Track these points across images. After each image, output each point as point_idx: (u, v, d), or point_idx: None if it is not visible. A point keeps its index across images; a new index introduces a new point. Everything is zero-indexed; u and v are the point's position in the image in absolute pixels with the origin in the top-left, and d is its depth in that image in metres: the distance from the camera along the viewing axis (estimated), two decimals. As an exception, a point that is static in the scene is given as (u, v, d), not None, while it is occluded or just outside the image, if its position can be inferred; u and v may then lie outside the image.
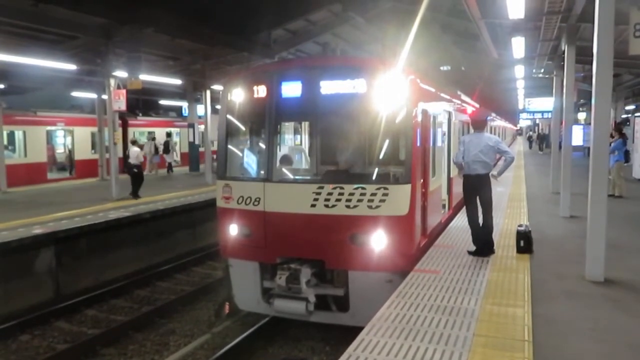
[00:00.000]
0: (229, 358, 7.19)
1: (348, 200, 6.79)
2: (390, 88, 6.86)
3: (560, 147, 14.09)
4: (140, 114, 29.80)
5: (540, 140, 42.53)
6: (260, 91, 7.53)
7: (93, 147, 23.88)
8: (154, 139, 26.57)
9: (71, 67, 15.30)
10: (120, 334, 8.31)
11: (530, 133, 59.72)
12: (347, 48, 20.74)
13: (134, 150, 15.58)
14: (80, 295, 10.06)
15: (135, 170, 15.33)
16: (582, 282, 6.47)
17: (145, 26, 13.78)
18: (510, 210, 11.57)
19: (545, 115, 33.92)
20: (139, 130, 28.53)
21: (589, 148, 7.46)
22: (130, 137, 27.12)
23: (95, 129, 22.38)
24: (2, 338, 8.22)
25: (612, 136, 14.04)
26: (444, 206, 10.08)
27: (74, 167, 23.64)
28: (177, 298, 9.97)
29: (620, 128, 15.30)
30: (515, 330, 4.83)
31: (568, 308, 5.60)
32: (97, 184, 19.45)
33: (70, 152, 24.30)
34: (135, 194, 15.13)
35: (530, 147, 46.82)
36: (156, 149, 25.54)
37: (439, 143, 9.31)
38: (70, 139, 24.30)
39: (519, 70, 21.28)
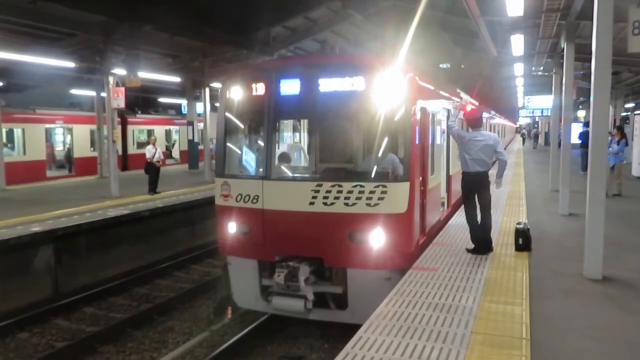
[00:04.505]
0: (227, 356, 7.20)
1: (347, 198, 6.79)
2: (389, 86, 6.84)
3: (559, 144, 14.12)
4: (140, 112, 29.79)
5: (534, 138, 44.56)
6: (259, 89, 7.52)
7: (92, 144, 23.87)
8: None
9: (70, 64, 15.29)
10: (119, 332, 8.31)
11: (523, 131, 63.60)
12: (346, 46, 20.71)
13: (147, 148, 15.87)
14: (79, 293, 10.06)
15: (147, 167, 15.69)
16: (580, 279, 6.47)
17: (144, 24, 13.76)
18: (509, 207, 11.57)
19: (545, 113, 33.86)
20: (138, 128, 28.52)
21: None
22: (129, 134, 27.26)
23: (94, 127, 22.37)
24: (1, 336, 8.22)
25: (612, 135, 14.13)
26: (442, 204, 10.08)
27: (73, 164, 23.63)
28: (176, 296, 9.98)
29: (622, 127, 15.38)
30: (513, 328, 4.84)
31: (566, 306, 5.61)
32: (97, 182, 19.44)
33: (70, 150, 24.29)
34: (150, 191, 15.38)
35: (523, 143, 49.31)
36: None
37: (437, 141, 9.30)
38: (69, 136, 24.30)
39: (518, 68, 21.27)
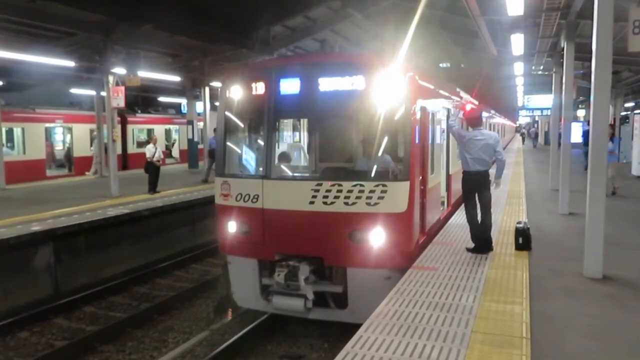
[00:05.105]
0: (227, 355, 7.20)
1: (346, 198, 6.79)
2: (388, 85, 6.84)
3: (559, 144, 14.10)
4: (139, 111, 29.78)
5: (534, 137, 46.63)
6: (259, 88, 7.52)
7: (92, 144, 23.82)
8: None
9: (70, 63, 15.26)
10: (118, 331, 8.31)
11: (523, 130, 67.07)
12: (346, 45, 20.70)
13: (147, 148, 15.80)
14: (79, 292, 10.06)
15: (147, 166, 15.61)
16: (580, 279, 6.48)
17: (144, 23, 13.73)
18: (509, 207, 11.57)
19: (545, 113, 33.82)
20: (138, 127, 28.50)
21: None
22: (129, 134, 27.25)
23: (94, 126, 22.34)
24: (1, 335, 8.22)
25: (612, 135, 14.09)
26: (442, 203, 10.08)
27: (73, 164, 23.61)
28: (175, 295, 9.98)
29: (612, 124, 15.32)
30: (513, 327, 4.84)
31: (566, 305, 5.61)
32: (96, 181, 19.42)
33: (69, 149, 24.27)
34: (150, 190, 15.33)
35: (523, 142, 50.98)
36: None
37: (437, 140, 9.30)
38: (69, 136, 24.28)
39: (518, 67, 21.25)
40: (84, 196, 14.66)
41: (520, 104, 39.33)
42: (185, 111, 26.82)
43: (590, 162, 6.59)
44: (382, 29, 17.89)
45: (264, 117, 7.58)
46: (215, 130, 18.63)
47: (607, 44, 6.31)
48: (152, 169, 15.60)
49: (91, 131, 23.23)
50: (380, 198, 6.69)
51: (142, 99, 31.31)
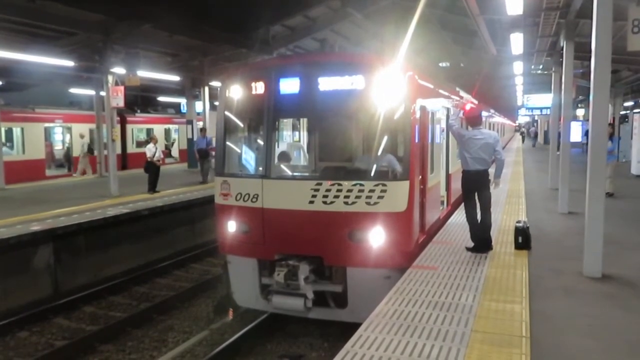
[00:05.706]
0: (227, 354, 7.20)
1: (346, 197, 6.79)
2: (388, 84, 6.84)
3: (558, 144, 14.10)
4: (139, 111, 29.78)
5: (533, 137, 47.84)
6: (258, 87, 7.51)
7: (92, 143, 23.81)
8: (82, 136, 22.86)
9: (69, 63, 15.27)
10: (118, 331, 8.31)
11: (523, 129, 69.31)
12: (346, 44, 20.70)
13: (147, 147, 15.78)
14: (79, 292, 10.06)
15: (147, 166, 15.56)
16: (580, 278, 6.48)
17: (143, 22, 13.73)
18: (508, 206, 11.58)
19: (544, 112, 33.83)
20: (138, 127, 28.49)
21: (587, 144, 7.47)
22: (128, 133, 27.26)
23: (93, 126, 22.33)
24: (1, 335, 8.21)
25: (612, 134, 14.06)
26: (442, 202, 10.08)
27: (72, 164, 23.60)
28: (175, 295, 9.98)
29: (612, 123, 15.32)
30: (512, 326, 4.84)
31: (566, 304, 5.61)
32: (96, 181, 19.41)
33: (69, 149, 24.26)
34: (150, 190, 15.29)
35: (523, 142, 51.94)
36: (90, 149, 23.01)
37: (437, 139, 9.30)
38: (68, 135, 24.27)
39: (518, 67, 21.26)
40: (84, 196, 14.66)
41: (519, 103, 39.36)
42: (184, 111, 26.83)
43: (590, 161, 6.59)
44: (382, 29, 17.89)
45: (264, 117, 7.58)
46: (201, 130, 18.83)
47: (606, 43, 6.31)
48: (152, 169, 15.58)
49: (91, 131, 23.23)
50: (380, 197, 6.69)
51: (141, 99, 31.32)
